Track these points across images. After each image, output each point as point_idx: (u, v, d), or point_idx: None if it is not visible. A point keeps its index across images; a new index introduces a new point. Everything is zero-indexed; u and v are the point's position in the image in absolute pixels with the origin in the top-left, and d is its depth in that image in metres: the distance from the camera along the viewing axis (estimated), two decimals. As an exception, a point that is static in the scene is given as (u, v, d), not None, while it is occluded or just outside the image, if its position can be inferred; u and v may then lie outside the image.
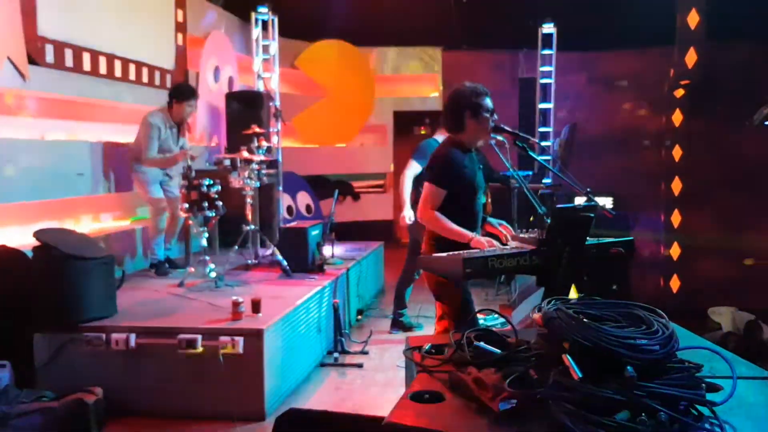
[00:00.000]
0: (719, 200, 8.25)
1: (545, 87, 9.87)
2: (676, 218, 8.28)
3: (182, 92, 5.86)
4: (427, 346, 2.08)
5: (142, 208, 6.35)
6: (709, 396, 1.56)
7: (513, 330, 1.95)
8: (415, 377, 1.88)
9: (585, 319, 1.55)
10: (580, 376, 1.48)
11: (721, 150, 8.27)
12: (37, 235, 4.22)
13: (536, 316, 1.66)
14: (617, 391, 1.44)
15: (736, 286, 8.27)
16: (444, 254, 3.16)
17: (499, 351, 1.86)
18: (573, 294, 3.34)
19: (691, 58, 8.07)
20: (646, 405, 1.42)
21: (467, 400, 1.67)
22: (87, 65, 5.69)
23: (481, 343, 1.89)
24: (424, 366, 1.93)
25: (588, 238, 3.15)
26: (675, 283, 8.31)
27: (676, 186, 8.34)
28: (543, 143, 9.38)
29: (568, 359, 1.50)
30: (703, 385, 1.58)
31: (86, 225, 5.69)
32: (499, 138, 3.76)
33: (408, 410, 1.65)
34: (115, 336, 4.09)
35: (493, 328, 2.17)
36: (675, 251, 8.27)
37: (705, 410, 1.54)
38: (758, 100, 7.41)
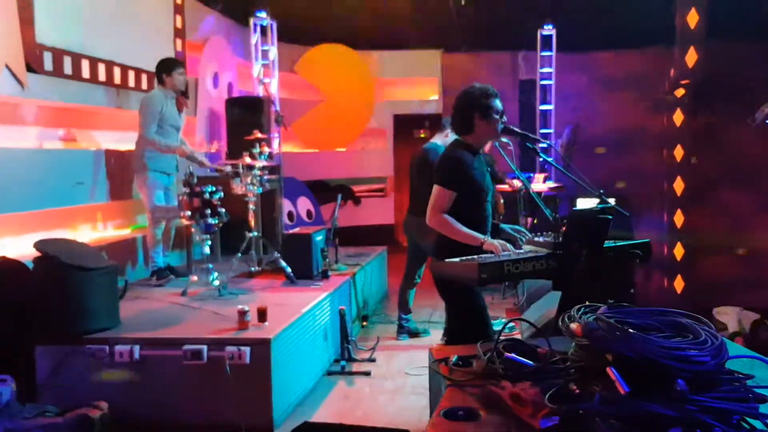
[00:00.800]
0: (722, 200, 8.22)
1: (545, 88, 9.85)
2: (678, 218, 8.24)
3: (167, 65, 5.78)
4: (453, 358, 1.99)
5: (142, 216, 6.26)
6: (760, 408, 1.48)
7: (546, 340, 1.86)
8: (444, 392, 1.79)
9: (630, 330, 1.47)
10: (627, 390, 1.39)
11: (723, 149, 8.24)
12: (38, 245, 4.12)
13: (575, 326, 1.58)
14: (668, 406, 1.36)
15: (741, 285, 8.23)
16: (457, 259, 3.08)
17: (531, 363, 1.78)
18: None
19: (691, 57, 8.04)
20: (700, 420, 1.34)
21: (504, 416, 1.59)
22: (86, 72, 5.60)
23: (513, 355, 1.81)
24: (455, 380, 1.85)
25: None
26: (679, 284, 8.26)
27: (678, 186, 8.30)
28: (541, 145, 9.32)
29: (613, 372, 1.42)
30: (751, 396, 1.51)
31: (86, 234, 5.60)
32: (504, 140, 3.70)
33: (443, 429, 1.56)
34: (118, 348, 3.99)
35: (503, 335, 2.08)
36: (678, 251, 8.23)
37: (757, 423, 1.46)
38: (758, 98, 7.39)
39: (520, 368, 1.77)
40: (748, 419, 1.47)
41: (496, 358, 1.85)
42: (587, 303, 1.81)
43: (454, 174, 3.38)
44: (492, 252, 3.17)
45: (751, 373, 1.67)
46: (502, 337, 1.95)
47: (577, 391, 1.53)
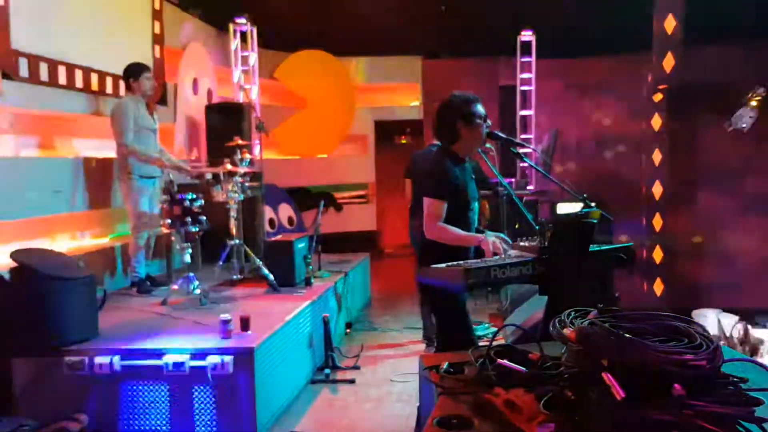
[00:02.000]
0: (700, 203, 8.28)
1: (525, 94, 9.89)
2: (657, 222, 8.28)
3: (133, 69, 5.70)
4: (444, 365, 1.96)
5: (122, 225, 6.17)
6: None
7: (538, 345, 1.84)
8: (437, 400, 1.76)
9: (625, 335, 1.45)
10: (624, 395, 1.37)
11: (701, 153, 8.31)
12: (15, 255, 4.04)
13: (568, 331, 1.55)
14: (665, 411, 1.34)
15: (720, 288, 8.30)
16: (443, 265, 3.06)
17: (524, 369, 1.75)
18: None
19: (668, 62, 8.11)
20: (698, 425, 1.32)
21: (498, 424, 1.56)
22: (63, 79, 5.52)
23: (505, 361, 1.78)
24: (447, 388, 1.81)
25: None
26: (659, 287, 8.30)
27: (657, 190, 8.35)
28: (524, 150, 9.37)
29: (609, 378, 1.39)
30: (746, 399, 1.49)
31: (64, 244, 5.50)
32: (487, 145, 3.69)
33: (437, 438, 1.53)
34: (98, 359, 3.91)
35: (485, 340, 2.06)
36: (657, 255, 8.27)
37: (753, 427, 1.44)
38: (735, 103, 7.47)
39: (512, 375, 1.75)
40: (744, 423, 1.45)
41: (488, 364, 1.82)
42: (576, 307, 1.79)
43: (441, 184, 3.37)
44: (486, 251, 3.16)
45: (744, 376, 1.66)
46: (493, 343, 1.92)
47: (573, 397, 1.50)
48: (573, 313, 1.74)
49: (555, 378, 1.65)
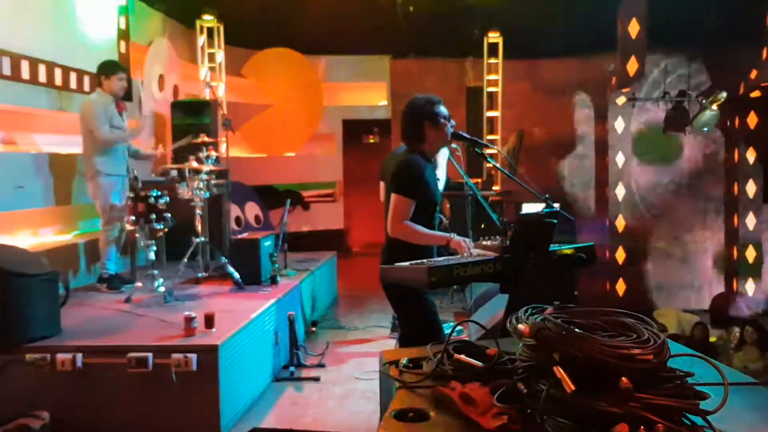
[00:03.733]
0: (662, 204, 8.46)
1: (492, 95, 9.99)
2: (620, 223, 8.44)
3: (107, 67, 5.63)
4: (404, 361, 2.00)
5: (85, 222, 6.10)
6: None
7: (495, 341, 1.89)
8: (395, 394, 1.80)
9: (576, 329, 1.50)
10: (574, 388, 1.42)
11: (662, 155, 8.49)
12: (-25, 251, 3.98)
13: (522, 326, 1.60)
14: (614, 403, 1.39)
15: (681, 288, 8.51)
16: (406, 263, 3.09)
17: (481, 363, 1.80)
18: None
19: (632, 66, 8.27)
20: (645, 417, 1.38)
21: (454, 417, 1.60)
22: (26, 73, 5.44)
23: (462, 356, 1.82)
24: (404, 382, 1.85)
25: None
26: (621, 287, 8.47)
27: (620, 191, 8.51)
28: (489, 151, 9.48)
29: (560, 371, 1.44)
30: (692, 393, 1.55)
31: (26, 240, 5.42)
32: (453, 146, 3.74)
33: (393, 430, 1.57)
34: (60, 356, 3.88)
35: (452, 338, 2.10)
36: (620, 255, 8.43)
37: (698, 419, 1.50)
38: (697, 104, 7.66)
39: (469, 369, 1.79)
40: (689, 415, 1.51)
41: (446, 359, 1.86)
42: (534, 305, 1.84)
43: (413, 183, 3.39)
44: (457, 249, 3.20)
45: (691, 370, 1.72)
46: (452, 339, 1.96)
47: (525, 390, 1.55)
48: (530, 309, 1.78)
49: (510, 372, 1.70)
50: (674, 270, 8.52)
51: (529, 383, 1.55)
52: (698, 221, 8.50)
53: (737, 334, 6.51)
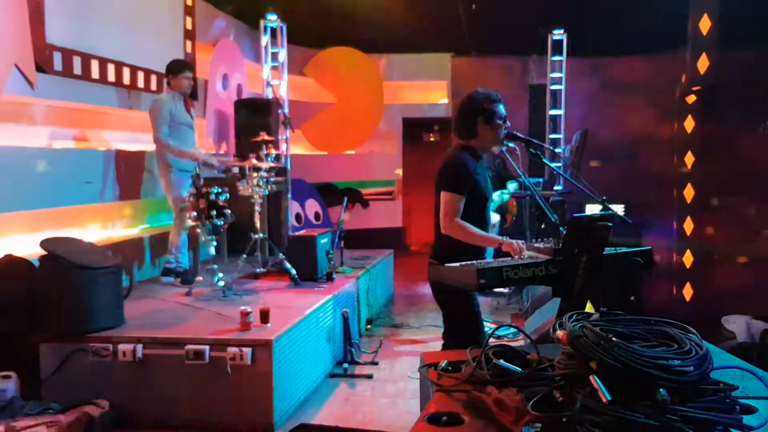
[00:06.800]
0: (732, 207, 8.16)
1: (555, 93, 9.81)
2: (688, 225, 8.18)
3: (174, 66, 5.85)
4: (443, 364, 1.99)
5: (151, 216, 6.30)
6: (745, 419, 1.47)
7: (535, 347, 1.86)
8: (432, 397, 1.80)
9: (614, 338, 1.47)
10: (609, 398, 1.39)
11: (734, 156, 8.18)
12: (44, 244, 4.17)
13: (560, 333, 1.58)
14: (649, 415, 1.36)
15: (751, 293, 8.16)
16: (456, 264, 3.07)
17: (519, 369, 1.78)
18: (589, 307, 3.26)
19: (703, 63, 7.99)
20: (680, 430, 1.34)
21: (488, 422, 1.59)
22: (95, 73, 5.65)
23: (501, 361, 1.81)
24: (441, 385, 1.85)
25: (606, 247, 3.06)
26: (688, 292, 8.20)
27: (689, 193, 8.24)
28: (554, 150, 9.33)
29: (595, 381, 1.42)
30: (737, 407, 1.50)
31: (94, 233, 5.64)
32: (511, 145, 3.69)
33: (426, 433, 1.57)
34: (121, 347, 4.03)
35: (505, 340, 2.08)
36: (688, 259, 8.17)
37: (740, 435, 1.45)
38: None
39: (507, 374, 1.77)
40: (732, 430, 1.46)
41: (485, 363, 1.85)
42: (581, 311, 1.81)
43: (461, 179, 3.36)
44: (510, 252, 3.17)
45: (741, 384, 1.67)
46: (492, 342, 1.95)
47: (561, 398, 1.53)
48: (575, 316, 1.75)
49: (547, 379, 1.68)
50: (745, 274, 8.20)
51: (566, 391, 1.53)
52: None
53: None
